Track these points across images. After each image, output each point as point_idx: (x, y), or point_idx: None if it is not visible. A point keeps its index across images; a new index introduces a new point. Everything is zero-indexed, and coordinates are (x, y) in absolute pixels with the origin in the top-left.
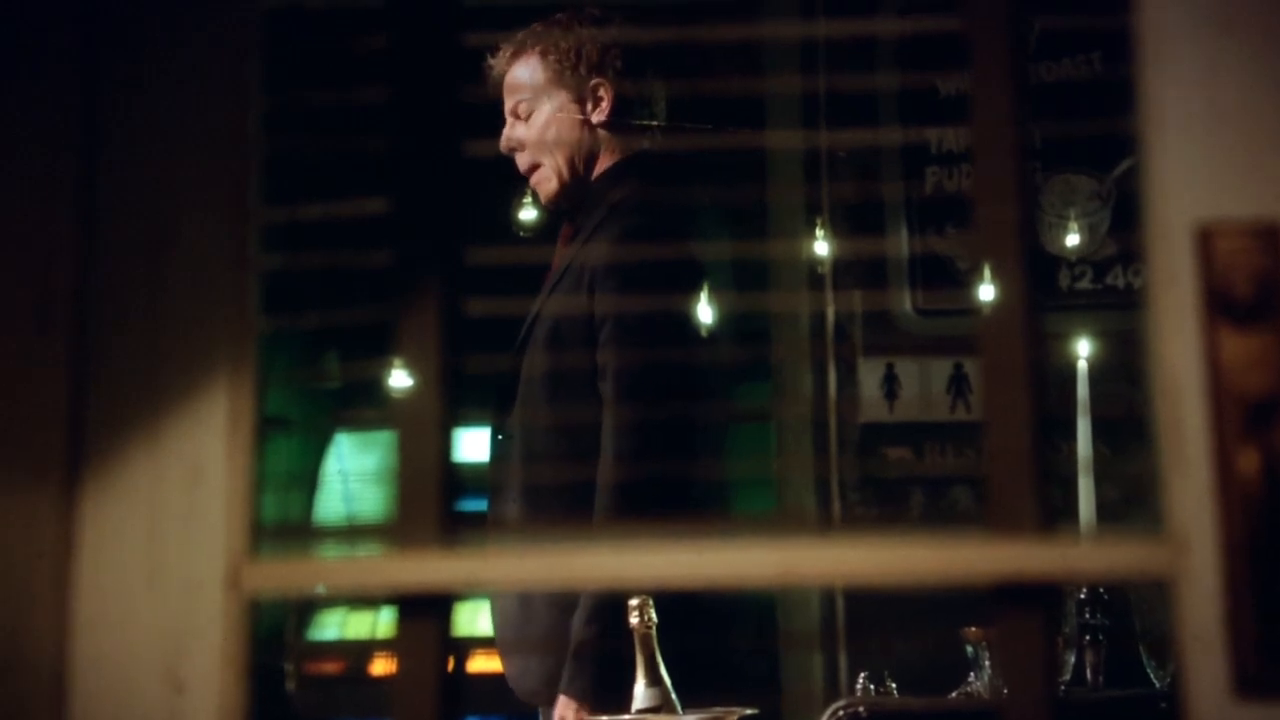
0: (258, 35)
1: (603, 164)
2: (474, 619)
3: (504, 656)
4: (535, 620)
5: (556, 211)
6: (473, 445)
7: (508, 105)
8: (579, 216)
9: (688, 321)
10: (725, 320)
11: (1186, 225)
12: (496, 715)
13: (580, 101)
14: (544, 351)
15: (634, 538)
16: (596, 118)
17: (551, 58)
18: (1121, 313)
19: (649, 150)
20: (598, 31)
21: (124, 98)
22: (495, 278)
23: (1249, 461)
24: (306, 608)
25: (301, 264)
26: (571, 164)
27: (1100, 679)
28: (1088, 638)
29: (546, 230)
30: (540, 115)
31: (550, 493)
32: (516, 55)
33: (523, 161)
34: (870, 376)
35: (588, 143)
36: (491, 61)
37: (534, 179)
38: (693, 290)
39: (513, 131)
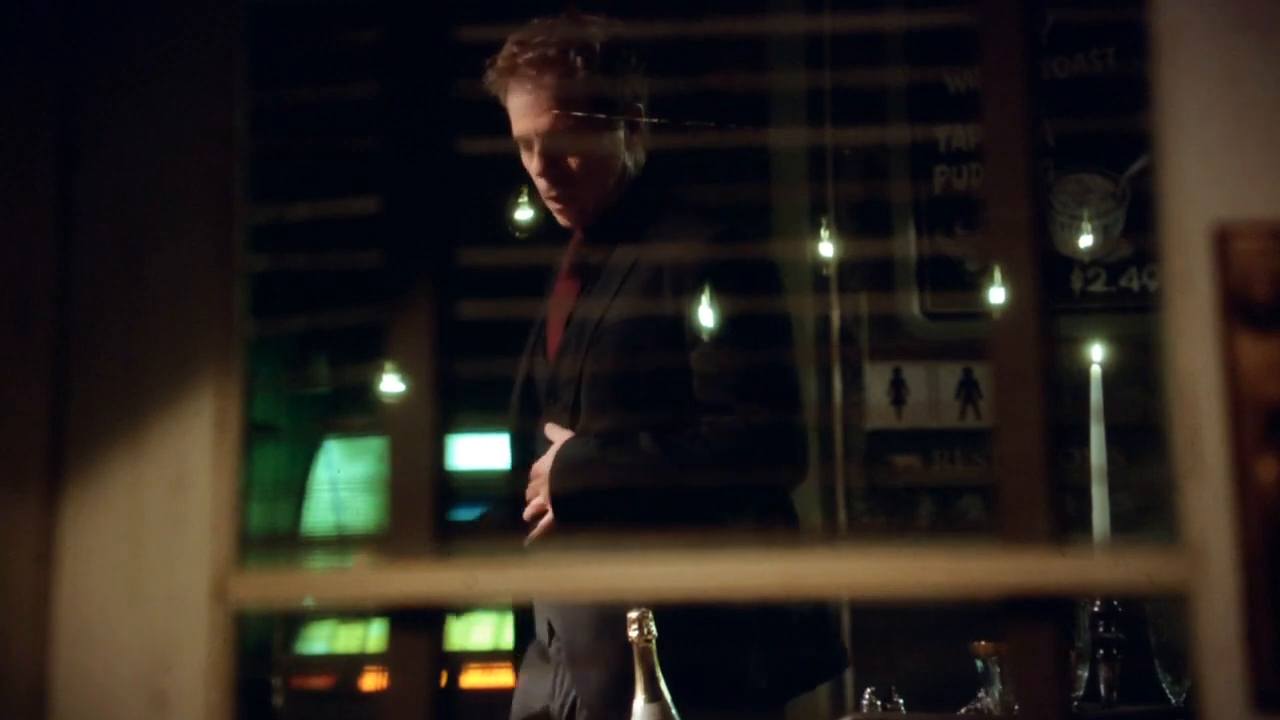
0: (243, 32)
1: (628, 172)
2: (467, 632)
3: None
4: (585, 631)
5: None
6: (466, 452)
7: (541, 126)
8: (603, 223)
9: (790, 322)
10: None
11: (1203, 226)
12: None
13: (615, 128)
14: (620, 356)
15: (635, 547)
16: (634, 140)
17: (585, 81)
18: (1136, 316)
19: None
20: (621, 52)
21: (106, 97)
22: (491, 280)
23: (1268, 470)
24: (294, 620)
25: (290, 265)
26: (607, 188)
27: (1115, 694)
28: (1102, 651)
29: (543, 231)
30: (588, 147)
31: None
32: (552, 68)
33: (558, 192)
34: (877, 382)
35: (623, 164)
36: (522, 68)
37: (563, 205)
38: (781, 290)
39: (551, 164)
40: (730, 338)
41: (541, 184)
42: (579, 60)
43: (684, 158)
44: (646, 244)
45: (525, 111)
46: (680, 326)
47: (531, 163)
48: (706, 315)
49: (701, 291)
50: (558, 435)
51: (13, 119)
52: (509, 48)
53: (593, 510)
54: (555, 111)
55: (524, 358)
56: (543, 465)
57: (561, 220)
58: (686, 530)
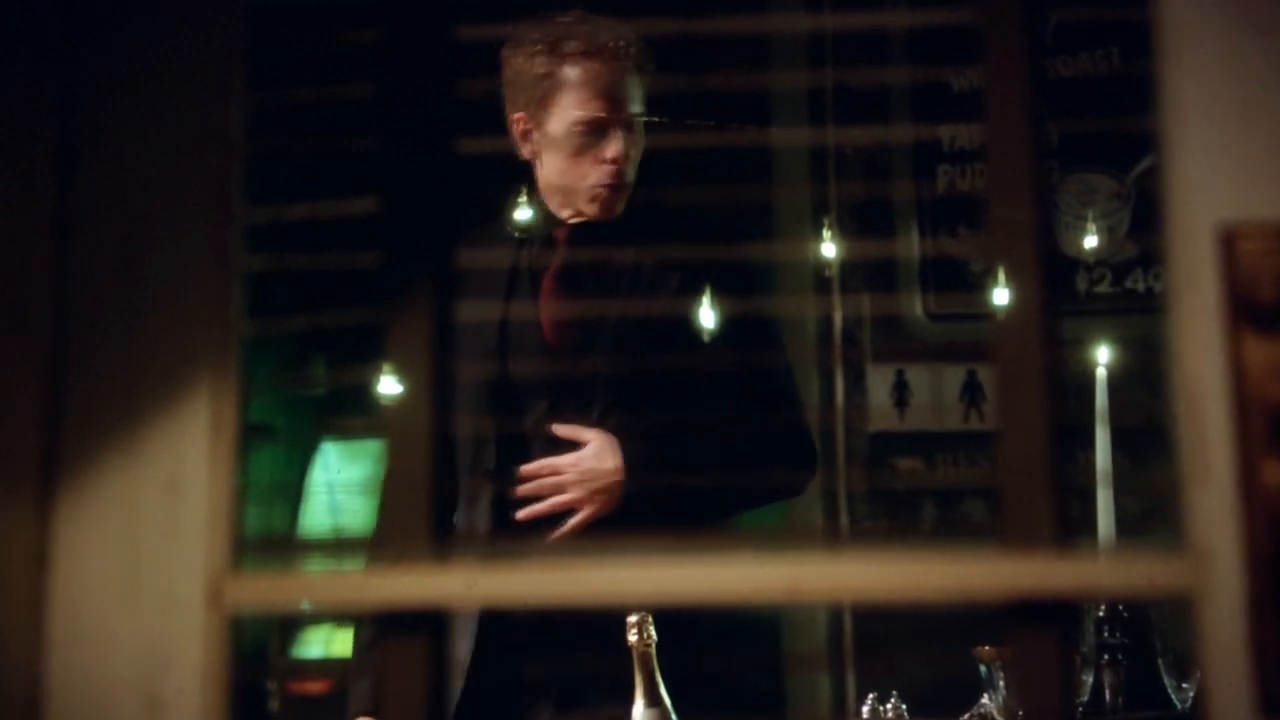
0: (243, 32)
1: None
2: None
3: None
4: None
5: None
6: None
7: (618, 113)
8: (613, 222)
9: None
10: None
11: (1209, 227)
12: None
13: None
14: (659, 355)
15: (636, 551)
16: None
17: (643, 74)
18: (1142, 317)
19: None
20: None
21: (106, 97)
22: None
23: (1274, 472)
24: (291, 624)
25: (288, 266)
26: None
27: (1119, 700)
28: (1106, 657)
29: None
30: (640, 132)
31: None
32: (643, 58)
33: (625, 180)
34: (879, 384)
35: None
36: (627, 50)
37: (618, 194)
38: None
39: (628, 149)
40: (747, 338)
41: (609, 169)
42: (651, 56)
43: (685, 157)
44: (655, 246)
45: (613, 94)
46: (712, 327)
47: (599, 146)
48: (732, 317)
49: (725, 294)
50: (589, 435)
51: (13, 119)
52: (575, 31)
53: (651, 507)
54: (645, 98)
55: (482, 360)
56: (595, 463)
57: (594, 211)
58: (712, 528)
